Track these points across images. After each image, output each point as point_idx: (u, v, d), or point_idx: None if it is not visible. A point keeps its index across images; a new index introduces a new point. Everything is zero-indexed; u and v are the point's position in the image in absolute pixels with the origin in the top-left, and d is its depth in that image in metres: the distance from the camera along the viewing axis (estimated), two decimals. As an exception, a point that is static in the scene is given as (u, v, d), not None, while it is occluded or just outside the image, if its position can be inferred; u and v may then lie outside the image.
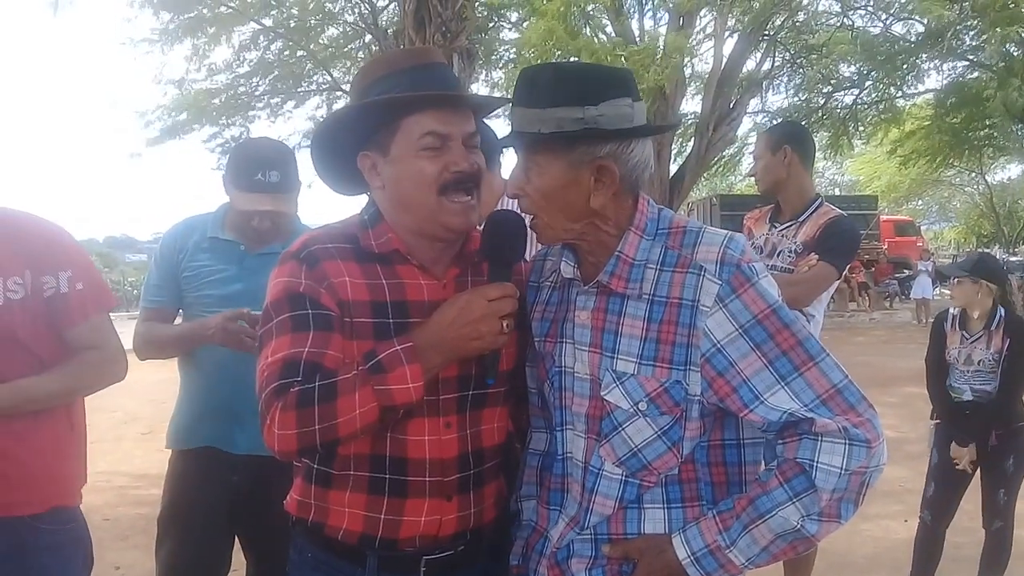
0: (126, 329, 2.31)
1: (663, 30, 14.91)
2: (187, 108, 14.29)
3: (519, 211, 1.52)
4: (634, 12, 14.78)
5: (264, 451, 1.48)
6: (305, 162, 1.64)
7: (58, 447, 1.94)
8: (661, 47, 12.22)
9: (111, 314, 2.04)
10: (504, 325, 1.43)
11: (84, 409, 2.05)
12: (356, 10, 14.40)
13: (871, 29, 13.78)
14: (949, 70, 16.22)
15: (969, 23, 12.90)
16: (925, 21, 12.16)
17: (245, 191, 2.40)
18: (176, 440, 2.59)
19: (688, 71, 12.78)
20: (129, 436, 7.76)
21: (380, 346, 1.41)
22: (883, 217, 26.92)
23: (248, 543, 2.63)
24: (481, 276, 1.55)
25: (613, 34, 14.52)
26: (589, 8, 13.87)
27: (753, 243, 3.21)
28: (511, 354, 1.57)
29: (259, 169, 2.38)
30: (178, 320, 2.63)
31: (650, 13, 15.19)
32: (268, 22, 13.97)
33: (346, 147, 1.56)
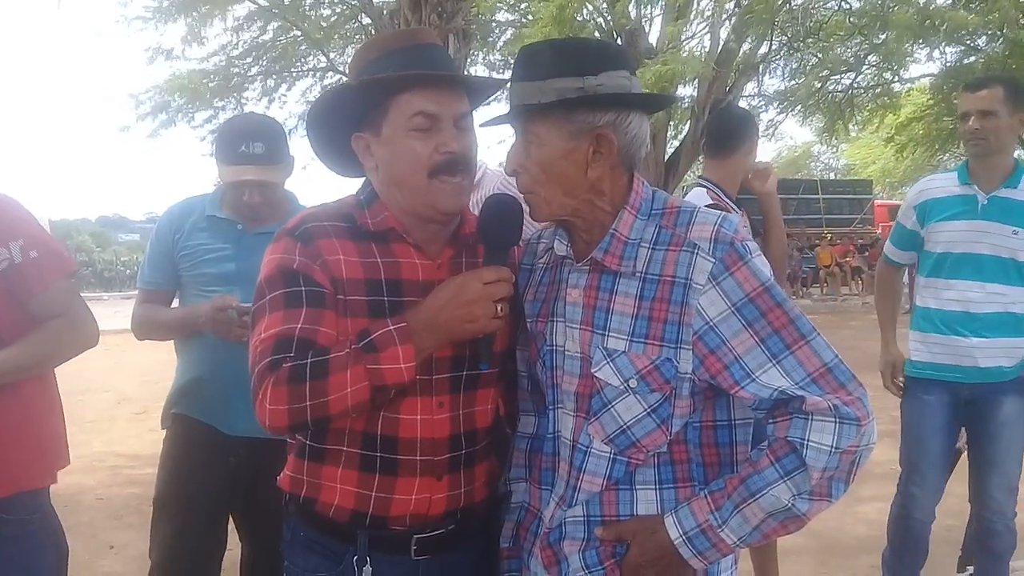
0: (121, 309, 2.31)
1: (657, 20, 14.82)
2: (180, 89, 14.13)
3: (514, 193, 1.52)
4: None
5: (261, 433, 1.49)
6: (301, 143, 1.65)
7: (20, 427, 1.84)
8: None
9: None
10: (499, 308, 1.43)
11: (56, 385, 1.97)
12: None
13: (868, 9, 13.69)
14: (951, 54, 16.14)
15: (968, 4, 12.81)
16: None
17: (230, 163, 2.42)
18: (167, 415, 2.59)
19: (684, 53, 12.69)
20: (123, 416, 7.78)
21: (374, 325, 1.41)
22: (877, 202, 27.00)
23: (243, 523, 2.65)
24: (476, 258, 1.55)
25: (610, 19, 14.42)
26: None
27: None
28: (505, 335, 1.57)
29: (243, 141, 2.41)
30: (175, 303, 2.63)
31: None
32: (263, 1, 13.80)
33: (341, 128, 1.56)
